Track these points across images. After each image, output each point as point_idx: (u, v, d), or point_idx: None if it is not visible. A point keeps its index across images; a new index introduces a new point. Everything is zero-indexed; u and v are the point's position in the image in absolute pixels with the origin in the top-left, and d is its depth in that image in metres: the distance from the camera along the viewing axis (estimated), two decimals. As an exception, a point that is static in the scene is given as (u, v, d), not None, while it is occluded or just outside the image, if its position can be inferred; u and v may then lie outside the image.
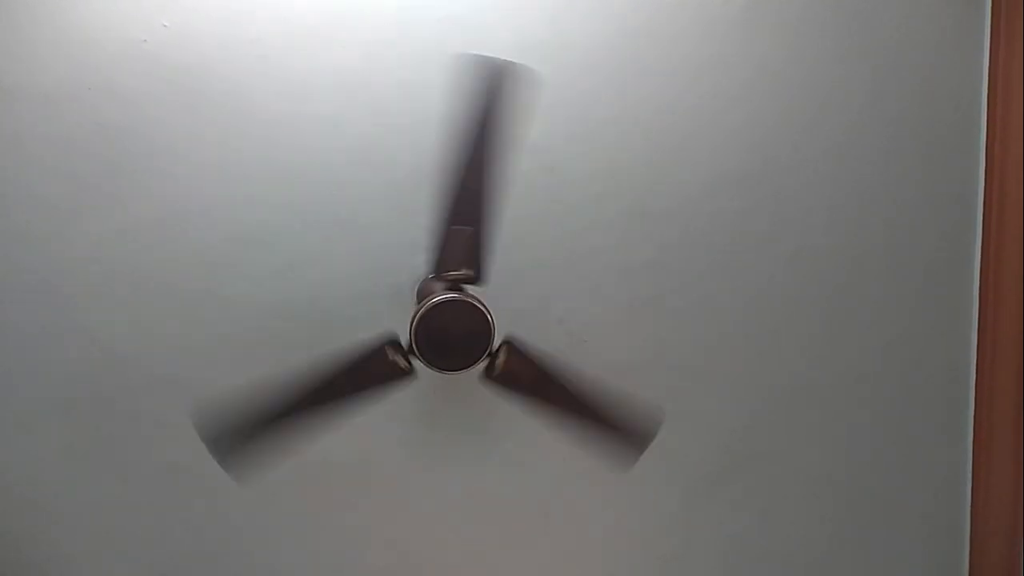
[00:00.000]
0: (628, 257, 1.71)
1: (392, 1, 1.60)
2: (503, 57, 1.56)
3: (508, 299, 1.53)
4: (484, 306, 1.39)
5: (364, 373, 1.41)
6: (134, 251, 1.59)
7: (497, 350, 1.42)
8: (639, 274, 1.71)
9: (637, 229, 1.70)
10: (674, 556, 1.81)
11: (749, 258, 1.75)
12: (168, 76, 1.56)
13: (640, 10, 1.66)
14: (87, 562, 1.66)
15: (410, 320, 1.38)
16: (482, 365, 1.41)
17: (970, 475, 1.86)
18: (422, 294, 1.51)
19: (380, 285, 1.63)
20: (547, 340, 1.63)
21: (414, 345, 1.38)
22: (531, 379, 1.44)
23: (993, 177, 1.79)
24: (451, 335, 1.38)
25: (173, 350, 1.62)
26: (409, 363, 1.41)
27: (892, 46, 1.75)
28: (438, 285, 1.50)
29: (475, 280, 1.44)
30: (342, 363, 1.40)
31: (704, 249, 1.72)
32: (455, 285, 1.47)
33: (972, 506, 1.87)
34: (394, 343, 1.41)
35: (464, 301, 1.39)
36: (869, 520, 1.85)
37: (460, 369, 1.40)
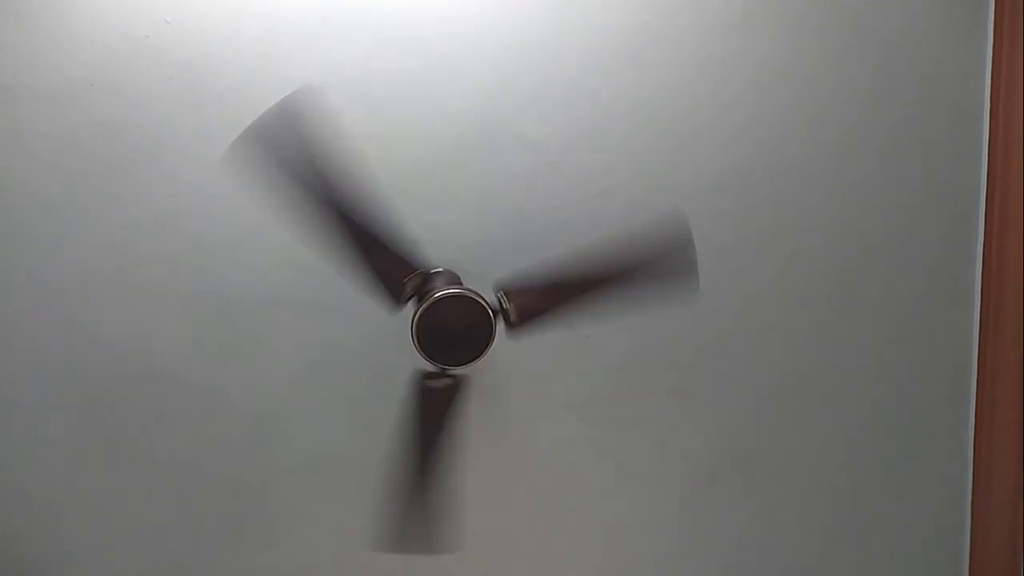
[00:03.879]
0: (629, 254, 1.71)
1: (394, -1, 1.61)
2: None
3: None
4: (484, 300, 1.40)
5: (378, 254, 1.39)
6: (136, 249, 1.59)
7: (501, 302, 1.42)
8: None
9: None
10: (675, 552, 1.81)
11: (750, 256, 1.74)
12: (170, 73, 1.56)
13: (642, 8, 1.67)
14: (88, 558, 1.66)
15: (411, 317, 1.38)
16: (488, 352, 1.40)
17: (971, 473, 1.86)
18: (423, 289, 1.50)
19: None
20: (549, 337, 1.65)
21: (416, 342, 1.38)
22: (548, 299, 1.43)
23: (995, 176, 1.78)
24: (453, 330, 1.39)
25: (175, 347, 1.62)
26: (414, 297, 1.40)
27: (894, 45, 1.74)
28: (439, 280, 1.51)
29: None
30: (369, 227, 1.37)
31: (705, 247, 1.70)
32: (456, 280, 1.46)
33: (972, 503, 1.86)
34: (424, 275, 1.41)
35: (464, 296, 1.39)
36: (870, 517, 1.85)
37: (463, 364, 1.40)
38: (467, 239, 1.66)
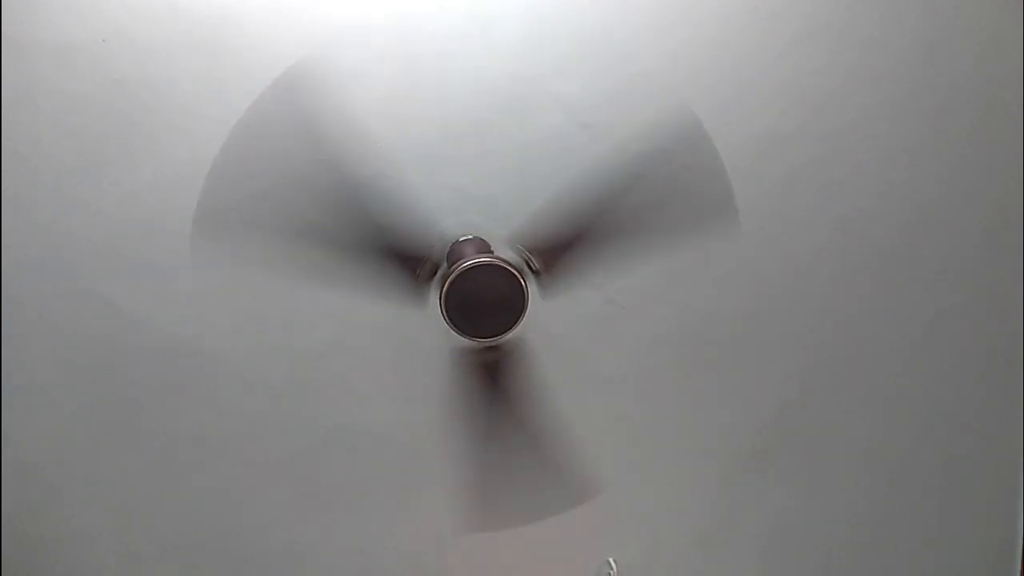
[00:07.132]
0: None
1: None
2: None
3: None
4: (515, 268, 1.35)
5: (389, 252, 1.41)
6: (151, 211, 1.55)
7: (527, 261, 1.42)
8: (680, 238, 1.64)
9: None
10: (714, 532, 1.78)
11: (797, 221, 1.68)
12: (187, 27, 1.51)
13: (684, -43, 1.58)
14: (103, 535, 1.65)
15: (439, 288, 1.35)
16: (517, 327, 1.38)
17: (1026, 447, 1.80)
18: (452, 258, 1.47)
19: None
20: (584, 307, 1.63)
21: (444, 312, 1.35)
22: (575, 243, 1.43)
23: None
24: (482, 301, 1.35)
25: (192, 317, 1.58)
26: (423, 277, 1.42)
27: (952, 3, 1.66)
28: (469, 248, 1.47)
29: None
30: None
31: (749, 212, 1.65)
32: (486, 248, 1.45)
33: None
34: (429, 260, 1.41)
35: (495, 264, 1.35)
36: (920, 496, 1.80)
37: (493, 336, 1.37)
38: (497, 205, 1.60)
